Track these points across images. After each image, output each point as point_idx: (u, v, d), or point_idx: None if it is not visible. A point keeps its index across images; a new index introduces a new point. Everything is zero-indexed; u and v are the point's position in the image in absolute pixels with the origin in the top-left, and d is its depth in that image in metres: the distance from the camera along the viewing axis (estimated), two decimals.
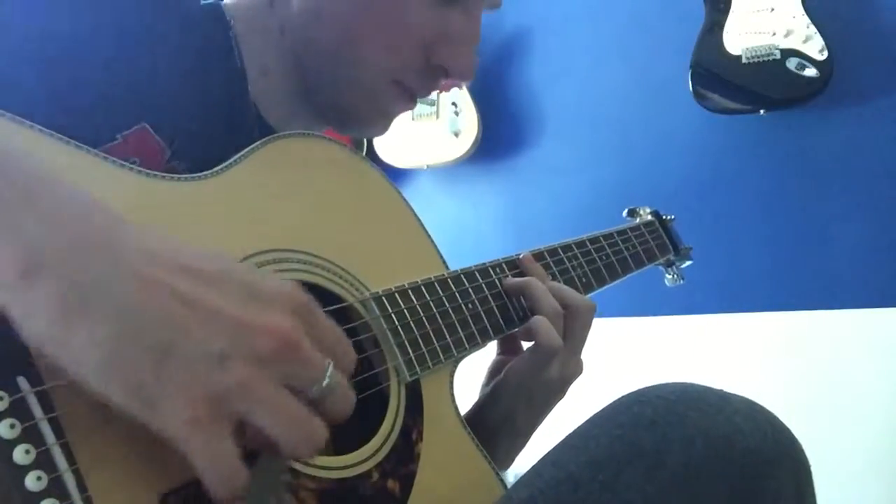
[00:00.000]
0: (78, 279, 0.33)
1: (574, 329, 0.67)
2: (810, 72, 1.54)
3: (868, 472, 1.52)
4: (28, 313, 0.33)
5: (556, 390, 0.68)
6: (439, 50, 0.61)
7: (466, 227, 2.06)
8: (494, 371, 0.73)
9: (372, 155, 2.07)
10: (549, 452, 0.51)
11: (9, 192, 0.34)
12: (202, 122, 0.60)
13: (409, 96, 0.65)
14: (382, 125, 0.68)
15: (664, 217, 0.96)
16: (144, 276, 0.34)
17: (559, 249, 0.75)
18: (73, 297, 0.33)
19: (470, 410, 0.70)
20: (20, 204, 0.34)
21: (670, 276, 0.97)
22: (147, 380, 0.33)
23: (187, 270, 0.36)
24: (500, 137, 2.03)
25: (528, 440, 0.70)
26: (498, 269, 0.68)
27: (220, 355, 0.34)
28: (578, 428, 0.52)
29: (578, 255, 0.77)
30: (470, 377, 0.72)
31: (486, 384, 0.72)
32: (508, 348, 0.73)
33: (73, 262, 0.33)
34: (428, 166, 2.05)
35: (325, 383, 0.38)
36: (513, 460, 0.71)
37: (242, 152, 0.54)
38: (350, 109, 0.65)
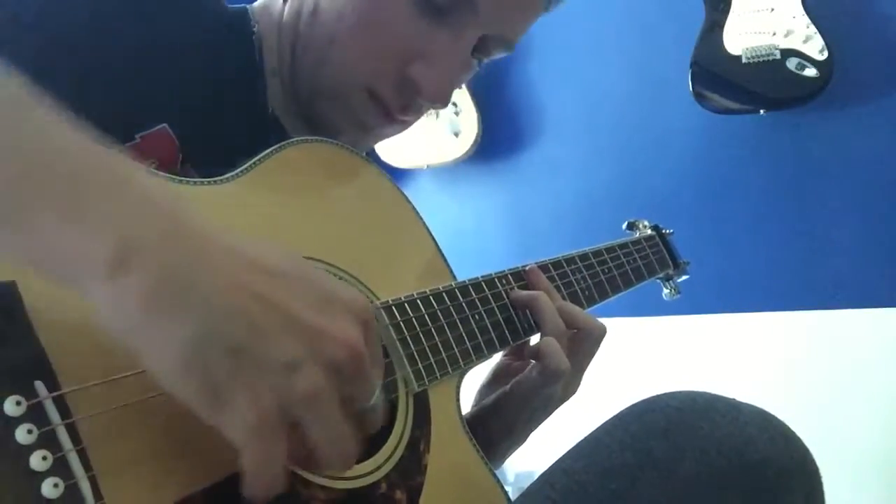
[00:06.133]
0: (168, 274, 0.33)
1: (581, 350, 0.66)
2: (810, 72, 1.54)
3: (868, 472, 1.52)
4: (114, 304, 0.33)
5: (555, 403, 0.68)
6: (416, 65, 0.59)
7: (466, 227, 2.06)
8: (499, 373, 0.73)
9: (372, 155, 2.07)
10: (559, 459, 0.51)
11: (97, 178, 0.34)
12: (220, 124, 0.60)
13: (384, 109, 0.62)
14: (360, 139, 0.66)
15: (664, 231, 0.97)
16: (229, 276, 0.34)
17: (563, 262, 0.75)
18: (163, 292, 0.33)
19: (471, 413, 0.70)
20: (110, 191, 0.34)
21: (667, 290, 0.98)
22: (221, 381, 0.33)
23: (269, 272, 0.36)
24: (500, 137, 2.03)
25: (523, 444, 0.72)
26: (504, 281, 0.67)
27: (294, 362, 0.34)
28: (589, 435, 0.52)
29: (582, 268, 0.78)
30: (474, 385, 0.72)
31: (488, 385, 0.73)
32: (514, 351, 0.73)
33: (163, 256, 0.33)
34: (428, 166, 2.04)
35: (372, 401, 0.39)
36: (505, 460, 0.74)
37: (257, 157, 0.55)
38: (324, 116, 0.64)
